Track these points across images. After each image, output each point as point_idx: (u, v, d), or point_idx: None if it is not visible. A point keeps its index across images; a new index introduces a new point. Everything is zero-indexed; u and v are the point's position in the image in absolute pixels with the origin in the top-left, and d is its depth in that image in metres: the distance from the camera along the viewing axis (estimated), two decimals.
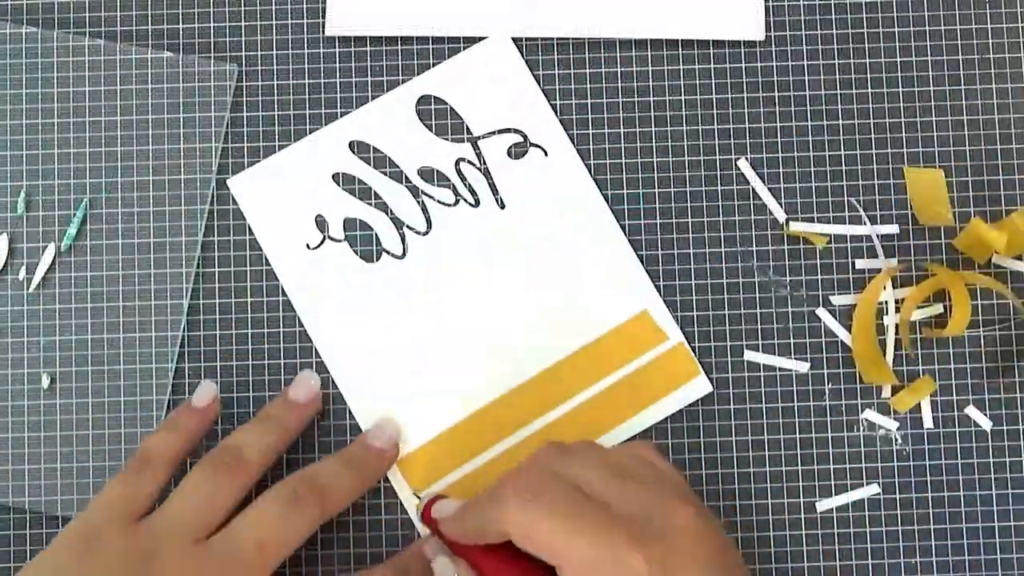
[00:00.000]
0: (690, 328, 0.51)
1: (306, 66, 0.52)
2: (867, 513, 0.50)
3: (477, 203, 0.51)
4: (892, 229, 0.51)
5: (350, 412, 0.51)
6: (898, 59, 0.52)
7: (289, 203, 0.51)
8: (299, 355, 0.51)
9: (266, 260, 0.51)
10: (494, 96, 0.52)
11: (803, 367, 0.51)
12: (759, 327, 0.51)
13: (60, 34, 0.52)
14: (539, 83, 0.52)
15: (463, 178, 0.51)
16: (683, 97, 0.52)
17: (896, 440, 0.50)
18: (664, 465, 0.44)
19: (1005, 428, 0.50)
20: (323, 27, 0.52)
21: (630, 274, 0.51)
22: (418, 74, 0.52)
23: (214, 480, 0.45)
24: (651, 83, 0.52)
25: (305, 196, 0.51)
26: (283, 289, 0.51)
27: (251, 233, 0.51)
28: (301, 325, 0.51)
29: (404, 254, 0.51)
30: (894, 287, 0.51)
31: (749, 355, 0.51)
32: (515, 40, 0.52)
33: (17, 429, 0.50)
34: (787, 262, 0.51)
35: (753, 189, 0.52)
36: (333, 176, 0.51)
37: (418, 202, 0.51)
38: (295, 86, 0.52)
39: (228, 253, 0.51)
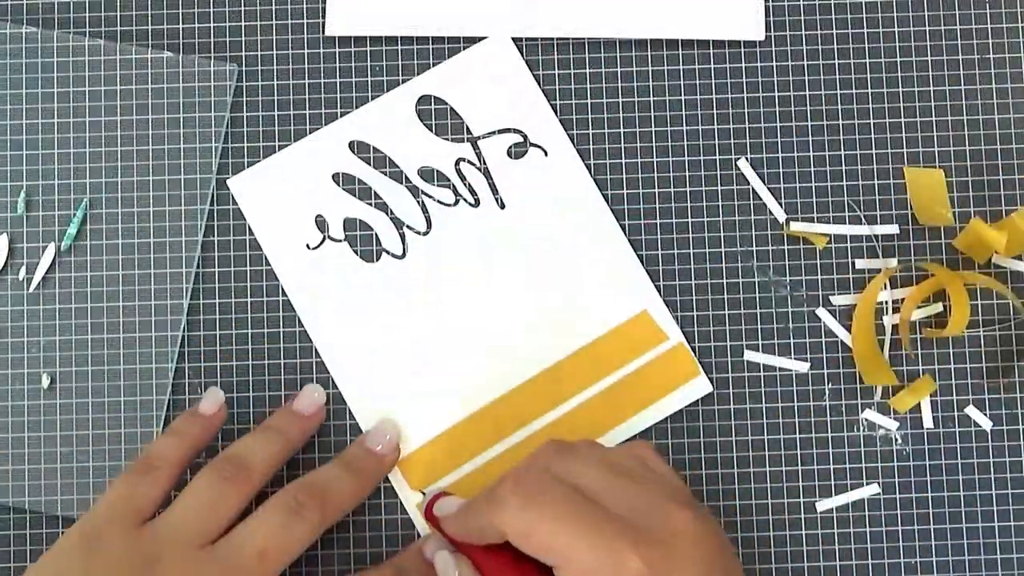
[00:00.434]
0: (690, 328, 0.51)
1: (306, 66, 0.52)
2: (867, 513, 0.50)
3: (477, 203, 0.51)
4: (892, 229, 0.51)
5: (350, 412, 0.51)
6: (898, 59, 0.52)
7: (289, 203, 0.51)
8: (299, 355, 0.51)
9: (266, 260, 0.51)
10: (494, 96, 0.52)
11: (803, 367, 0.51)
12: (759, 327, 0.51)
13: (60, 34, 0.52)
14: (539, 83, 0.52)
15: (463, 178, 0.51)
16: (683, 97, 0.52)
17: (896, 440, 0.50)
18: (663, 467, 0.44)
19: (1005, 428, 0.50)
20: (323, 27, 0.52)
21: (630, 274, 0.51)
22: (418, 74, 0.52)
23: (217, 488, 0.45)
24: (651, 83, 0.52)
25: (305, 196, 0.51)
26: (283, 289, 0.51)
27: (251, 233, 0.51)
28: (301, 325, 0.51)
29: (404, 254, 0.51)
30: (893, 287, 0.51)
31: (749, 355, 0.51)
32: (515, 40, 0.52)
33: (17, 429, 0.50)
34: (787, 262, 0.51)
35: (753, 189, 0.52)
36: (333, 176, 0.51)
37: (418, 202, 0.51)
38: (295, 86, 0.52)
39: (228, 253, 0.51)
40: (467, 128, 0.52)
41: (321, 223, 0.51)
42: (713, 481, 0.50)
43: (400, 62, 0.52)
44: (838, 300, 0.51)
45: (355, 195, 0.51)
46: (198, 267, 0.51)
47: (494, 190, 0.51)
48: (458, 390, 0.50)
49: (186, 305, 0.51)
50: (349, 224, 0.51)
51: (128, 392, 0.51)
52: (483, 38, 0.52)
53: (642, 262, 0.51)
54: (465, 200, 0.51)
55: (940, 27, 0.52)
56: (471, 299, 0.51)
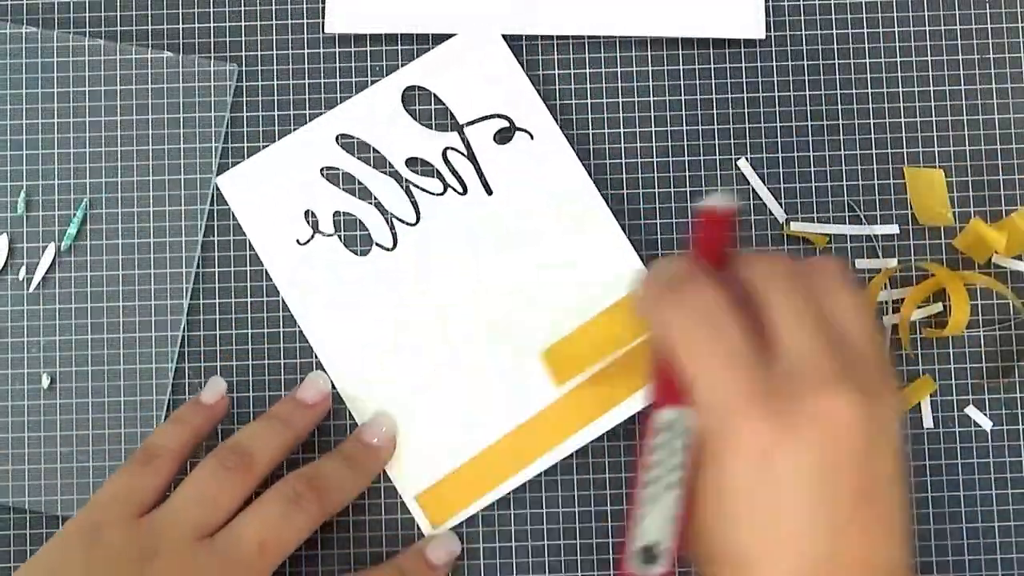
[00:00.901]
0: None
1: (306, 66, 0.52)
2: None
3: (465, 191, 0.51)
4: (892, 229, 0.51)
5: (348, 411, 0.51)
6: (898, 59, 0.52)
7: (278, 199, 0.51)
8: (299, 355, 0.51)
9: (266, 260, 0.51)
10: (478, 83, 0.51)
11: None
12: None
13: (60, 34, 0.52)
14: (538, 82, 0.52)
15: (450, 167, 0.51)
16: (683, 97, 0.52)
17: None
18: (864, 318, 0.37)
19: (1005, 428, 0.50)
20: (323, 26, 0.52)
21: (619, 252, 0.51)
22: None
23: (219, 479, 0.45)
24: (651, 83, 0.52)
25: (293, 191, 0.51)
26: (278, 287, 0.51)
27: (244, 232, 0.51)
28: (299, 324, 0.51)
29: (395, 246, 0.51)
30: (893, 287, 0.51)
31: None
32: (513, 39, 0.52)
33: (17, 429, 0.50)
34: None
35: (753, 189, 0.52)
36: (321, 171, 0.51)
37: (406, 193, 0.51)
38: (295, 86, 0.52)
39: (228, 253, 0.51)
40: (453, 116, 0.52)
41: (310, 218, 0.51)
42: None
43: (400, 62, 0.52)
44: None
45: (343, 189, 0.51)
46: (198, 267, 0.51)
47: (481, 176, 0.51)
48: (455, 377, 0.50)
49: (186, 305, 0.51)
50: (339, 218, 0.51)
51: (128, 392, 0.51)
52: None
53: (642, 261, 0.51)
54: (453, 188, 0.51)
55: (940, 27, 0.52)
56: (463, 286, 0.51)
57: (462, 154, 0.51)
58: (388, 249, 0.51)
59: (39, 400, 0.51)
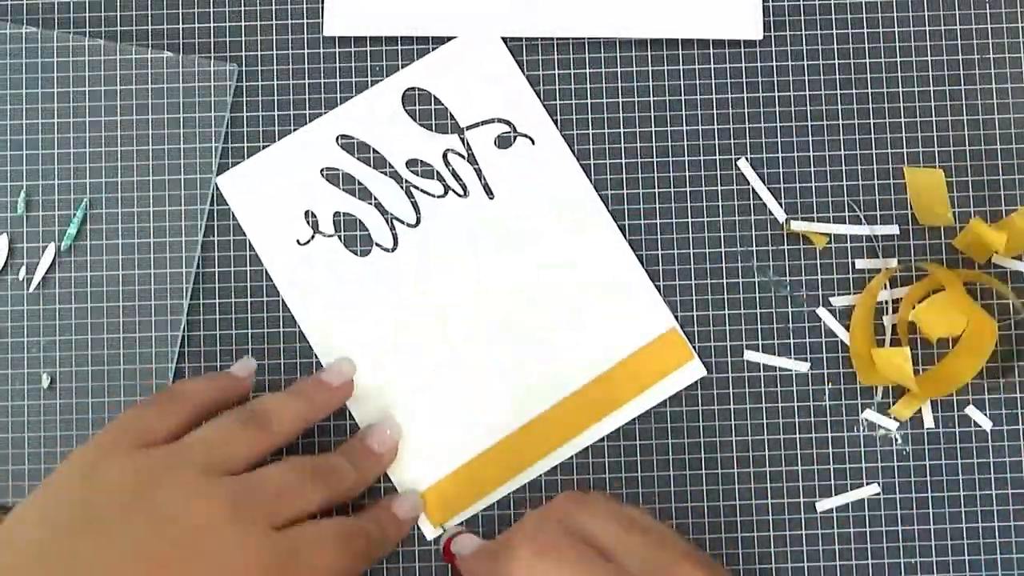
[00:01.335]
0: (690, 328, 0.51)
1: (306, 66, 0.52)
2: (867, 513, 0.50)
3: (466, 193, 0.51)
4: (892, 229, 0.51)
5: (348, 412, 0.51)
6: (898, 59, 0.52)
7: (278, 199, 0.51)
8: (299, 355, 0.51)
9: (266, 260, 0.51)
10: (480, 87, 0.52)
11: (803, 367, 0.51)
12: (759, 327, 0.51)
13: (60, 34, 0.52)
14: (538, 83, 0.52)
15: (451, 169, 0.51)
16: (683, 97, 0.52)
17: (896, 440, 0.50)
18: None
19: (1005, 428, 0.50)
20: (322, 28, 0.52)
21: (619, 256, 0.51)
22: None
23: (233, 429, 0.44)
24: (651, 83, 0.52)
25: (294, 192, 0.51)
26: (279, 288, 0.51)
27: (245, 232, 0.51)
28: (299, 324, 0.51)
29: (395, 247, 0.51)
30: (893, 287, 0.51)
31: (749, 355, 0.51)
32: (513, 40, 0.52)
33: (17, 429, 0.50)
34: (787, 262, 0.51)
35: (753, 189, 0.52)
36: (321, 171, 0.51)
37: (407, 194, 0.51)
38: (295, 86, 0.52)
39: (228, 253, 0.51)
40: (453, 119, 0.52)
41: (311, 218, 0.51)
42: (713, 481, 0.50)
43: (400, 62, 0.52)
44: (838, 301, 0.51)
45: (344, 189, 0.51)
46: (198, 267, 0.51)
47: (482, 180, 0.51)
48: (453, 377, 0.50)
49: (186, 305, 0.51)
50: (339, 219, 0.51)
51: (128, 392, 0.51)
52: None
53: (642, 262, 0.51)
54: (454, 191, 0.51)
55: (940, 27, 0.52)
56: (463, 289, 0.51)
57: (462, 157, 0.51)
58: (388, 250, 0.51)
59: (39, 400, 0.51)
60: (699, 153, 0.52)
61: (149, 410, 0.45)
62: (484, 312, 0.51)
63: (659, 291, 0.51)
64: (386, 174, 0.51)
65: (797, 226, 0.51)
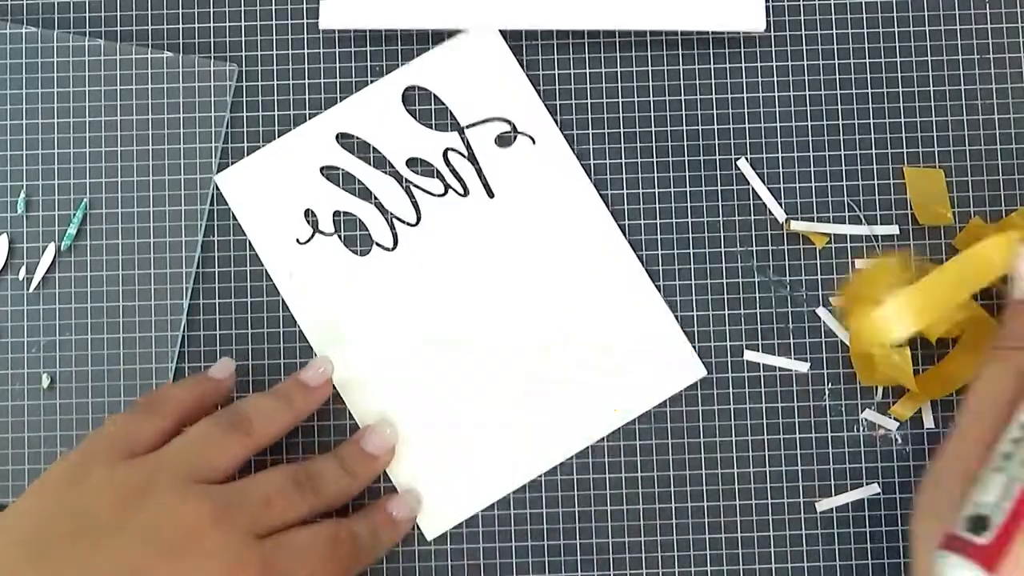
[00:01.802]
0: (690, 328, 0.51)
1: (306, 66, 0.52)
2: (867, 513, 0.50)
3: (466, 193, 0.51)
4: (892, 230, 0.51)
5: (348, 412, 0.51)
6: (898, 59, 0.52)
7: (277, 198, 0.51)
8: (299, 355, 0.51)
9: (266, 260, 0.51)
10: (480, 85, 0.51)
11: (803, 367, 0.51)
12: (759, 327, 0.51)
13: (60, 34, 0.52)
14: (538, 82, 0.52)
15: (451, 167, 0.51)
16: (683, 96, 0.52)
17: (896, 440, 0.50)
18: None
19: None
20: (319, 20, 0.52)
21: (618, 254, 0.51)
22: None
23: (215, 434, 0.44)
24: (651, 82, 0.52)
25: (293, 190, 0.51)
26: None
27: (244, 231, 0.51)
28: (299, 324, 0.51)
29: (395, 246, 0.51)
30: None
31: (749, 355, 0.51)
32: (512, 35, 0.52)
33: (17, 429, 0.50)
34: (787, 262, 0.51)
35: (753, 189, 0.52)
36: (321, 169, 0.51)
37: (407, 193, 0.51)
38: (295, 86, 0.52)
39: (228, 253, 0.51)
40: (454, 117, 0.52)
41: (310, 217, 0.51)
42: (713, 481, 0.50)
43: (399, 61, 0.52)
44: (838, 301, 0.51)
45: (344, 188, 0.51)
46: (198, 267, 0.51)
47: (483, 179, 0.51)
48: (449, 374, 0.50)
49: (186, 305, 0.51)
50: (339, 218, 0.51)
51: (128, 392, 0.51)
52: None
53: (642, 262, 0.51)
54: (454, 190, 0.51)
55: (940, 27, 0.52)
56: (463, 288, 0.51)
57: (463, 155, 0.51)
58: (388, 249, 0.51)
59: (39, 400, 0.51)
60: (699, 153, 0.52)
61: (131, 419, 0.45)
62: (484, 311, 0.51)
63: (659, 291, 0.51)
64: (386, 173, 0.51)
65: (797, 226, 0.51)
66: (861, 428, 0.51)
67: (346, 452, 0.49)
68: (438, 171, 0.51)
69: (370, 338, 0.51)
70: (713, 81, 0.52)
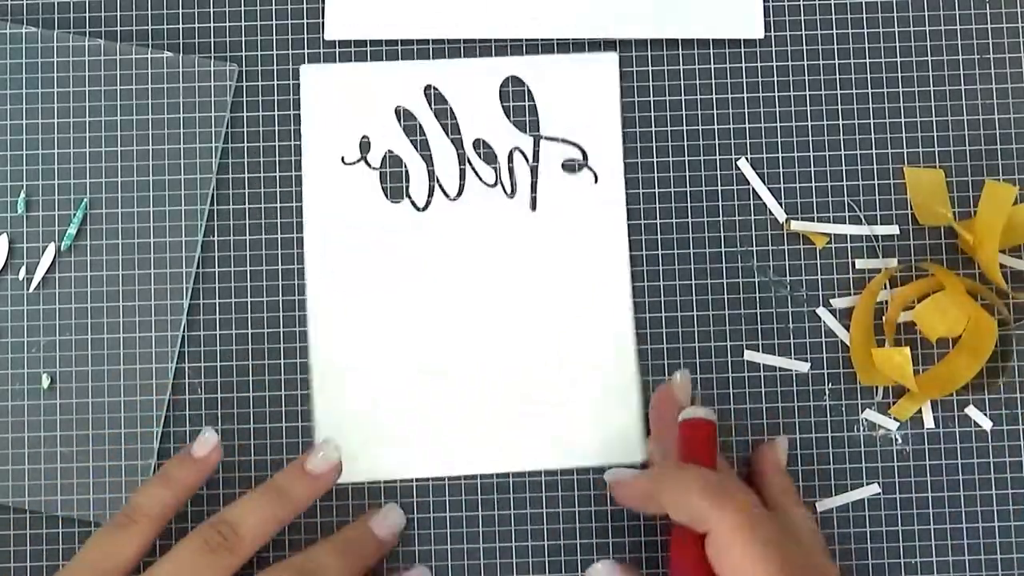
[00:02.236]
0: (690, 328, 0.51)
1: (306, 66, 0.52)
2: (867, 513, 0.50)
3: (512, 195, 0.51)
4: (892, 230, 0.51)
5: (308, 365, 0.51)
6: (898, 59, 0.52)
7: (345, 113, 0.52)
8: (299, 355, 0.51)
9: (266, 260, 0.51)
10: (575, 104, 0.51)
11: (803, 367, 0.51)
12: (759, 327, 0.51)
13: (60, 34, 0.52)
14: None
15: (511, 167, 0.51)
16: (683, 97, 0.52)
17: (896, 440, 0.50)
18: None
19: (1005, 428, 0.50)
20: (323, 27, 0.52)
21: (618, 310, 0.51)
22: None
23: (199, 561, 0.43)
24: (651, 82, 0.52)
25: (362, 114, 0.52)
26: (283, 288, 0.51)
27: (251, 233, 0.51)
28: (302, 325, 0.51)
29: (425, 208, 0.51)
30: (893, 287, 0.51)
31: (749, 355, 0.51)
32: (514, 41, 0.52)
33: (17, 429, 0.50)
34: (787, 262, 0.51)
35: (753, 189, 0.52)
36: (396, 108, 0.51)
37: (460, 169, 0.51)
38: (295, 86, 0.52)
39: (228, 253, 0.51)
40: (537, 123, 0.52)
41: (365, 145, 0.51)
42: None
43: (399, 61, 0.52)
44: (838, 301, 0.51)
45: (406, 134, 0.51)
46: (198, 267, 0.51)
47: (534, 190, 0.51)
48: (433, 364, 0.50)
49: (186, 305, 0.51)
50: (388, 157, 0.51)
51: (128, 392, 0.51)
52: (482, 40, 0.52)
53: (642, 262, 0.51)
54: (503, 186, 0.51)
55: (940, 27, 0.52)
56: (468, 278, 0.51)
57: (527, 161, 0.51)
58: (419, 209, 0.51)
59: (39, 400, 0.51)
60: (699, 153, 0.52)
61: (115, 543, 0.44)
62: (480, 307, 0.51)
63: (659, 291, 0.51)
64: (451, 140, 0.51)
65: (797, 226, 0.51)
66: (861, 428, 0.51)
67: (281, 481, 0.47)
68: (498, 164, 0.51)
69: (366, 287, 0.51)
70: (713, 81, 0.52)
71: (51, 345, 0.51)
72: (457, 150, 0.52)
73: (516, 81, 0.52)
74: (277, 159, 0.52)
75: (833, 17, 0.52)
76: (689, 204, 0.52)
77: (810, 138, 0.52)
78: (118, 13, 0.52)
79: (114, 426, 0.50)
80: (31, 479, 0.50)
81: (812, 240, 0.51)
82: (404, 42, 0.52)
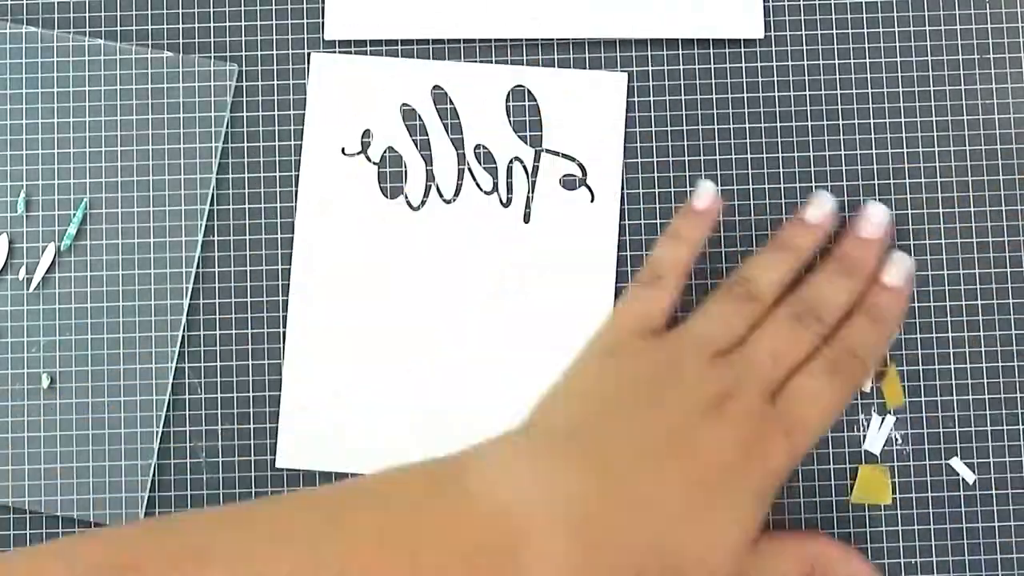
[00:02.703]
0: None
1: (306, 66, 0.52)
2: (867, 513, 0.50)
3: (507, 205, 0.51)
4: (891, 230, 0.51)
5: (282, 336, 0.51)
6: (898, 59, 0.52)
7: (350, 105, 0.52)
8: None
9: (266, 260, 0.51)
10: (580, 122, 0.51)
11: None
12: None
13: (60, 34, 0.52)
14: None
15: (509, 177, 0.51)
16: (683, 97, 0.52)
17: (896, 440, 0.50)
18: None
19: (1005, 428, 0.50)
20: (323, 27, 0.52)
21: (595, 325, 0.51)
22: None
23: (730, 306, 0.46)
24: (651, 82, 0.52)
25: (367, 107, 0.52)
26: (283, 288, 0.51)
27: (251, 233, 0.51)
28: None
29: (419, 208, 0.51)
30: None
31: None
32: (514, 41, 0.52)
33: (17, 429, 0.50)
34: None
35: (753, 189, 0.52)
36: (401, 104, 0.51)
37: (458, 172, 0.51)
38: (295, 86, 0.52)
39: (228, 253, 0.51)
40: (540, 136, 0.52)
41: (366, 140, 0.51)
42: None
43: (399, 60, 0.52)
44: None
45: (409, 132, 0.51)
46: (198, 267, 0.51)
47: (528, 203, 0.51)
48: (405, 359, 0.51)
49: (186, 305, 0.51)
50: (388, 154, 0.51)
51: (128, 392, 0.51)
52: (482, 40, 0.52)
53: (641, 263, 0.51)
54: (499, 195, 0.51)
55: (940, 27, 0.52)
56: (453, 281, 0.51)
57: (525, 172, 0.51)
58: (413, 208, 0.51)
59: (39, 400, 0.51)
60: (699, 153, 0.52)
61: (647, 300, 0.47)
62: (459, 311, 0.51)
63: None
64: (452, 143, 0.51)
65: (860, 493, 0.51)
66: (861, 428, 0.50)
67: (838, 263, 0.48)
68: (496, 172, 0.51)
69: (349, 280, 0.51)
70: (713, 81, 0.52)
71: (51, 345, 0.51)
72: (457, 151, 0.52)
73: (523, 91, 0.52)
74: (277, 159, 0.52)
75: (833, 17, 0.52)
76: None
77: (810, 138, 0.52)
78: (118, 13, 0.52)
79: (114, 426, 0.50)
80: (31, 479, 0.50)
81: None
82: (404, 42, 0.52)
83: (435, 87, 0.52)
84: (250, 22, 0.52)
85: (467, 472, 0.42)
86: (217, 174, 0.52)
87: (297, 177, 0.52)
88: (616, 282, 0.51)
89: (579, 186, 0.51)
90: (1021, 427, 0.50)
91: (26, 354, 0.51)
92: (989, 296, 0.51)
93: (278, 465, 0.50)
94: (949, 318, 0.51)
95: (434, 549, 0.40)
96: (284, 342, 0.51)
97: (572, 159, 0.51)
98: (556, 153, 0.51)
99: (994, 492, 0.50)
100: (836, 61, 0.52)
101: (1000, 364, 0.51)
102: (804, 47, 0.52)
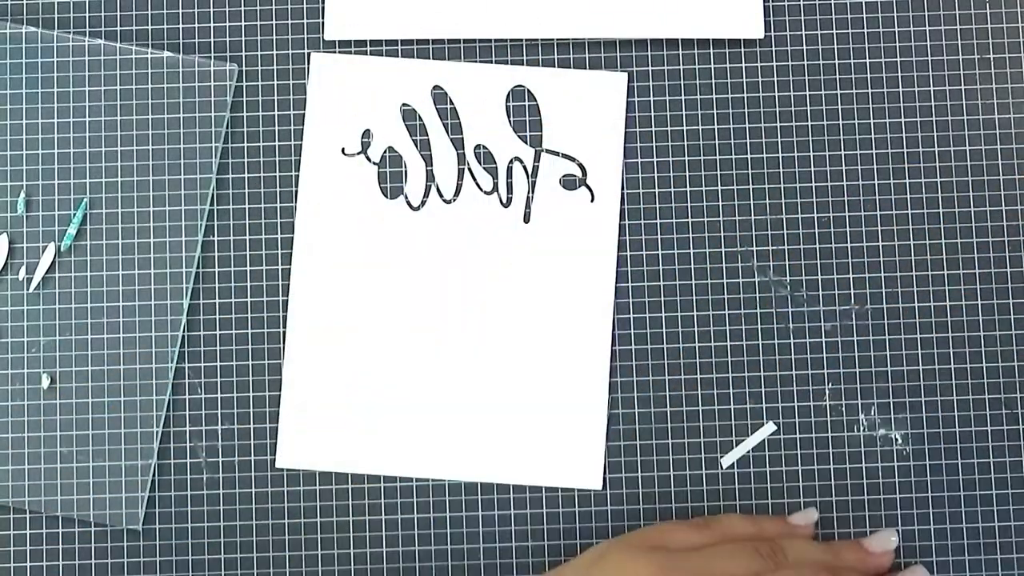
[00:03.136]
0: (690, 328, 0.51)
1: (306, 66, 0.52)
2: (867, 513, 0.50)
3: (507, 205, 0.51)
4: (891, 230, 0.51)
5: (282, 336, 0.51)
6: (898, 59, 0.52)
7: (350, 105, 0.52)
8: None
9: (266, 260, 0.51)
10: (580, 122, 0.51)
11: (803, 367, 0.51)
12: (759, 327, 0.51)
13: (60, 34, 0.52)
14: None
15: (509, 177, 0.51)
16: (683, 97, 0.52)
17: (896, 440, 0.50)
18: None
19: (1005, 428, 0.50)
20: (323, 27, 0.52)
21: (596, 337, 0.51)
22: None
23: (751, 560, 0.45)
24: (651, 82, 0.52)
25: (367, 107, 0.52)
26: (282, 288, 0.51)
27: (251, 233, 0.51)
28: None
29: (419, 208, 0.51)
30: None
31: (749, 356, 0.51)
32: (513, 41, 0.52)
33: (17, 429, 0.50)
34: (787, 262, 0.51)
35: (753, 189, 0.52)
36: (401, 106, 0.51)
37: (458, 172, 0.51)
38: (295, 86, 0.52)
39: (228, 253, 0.51)
40: (540, 136, 0.52)
41: (366, 140, 0.51)
42: (713, 481, 0.50)
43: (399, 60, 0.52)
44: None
45: (409, 133, 0.51)
46: (198, 267, 0.51)
47: (528, 203, 0.51)
48: (406, 364, 0.51)
49: (186, 305, 0.51)
50: (388, 155, 0.51)
51: (128, 392, 0.51)
52: (483, 40, 0.52)
53: (641, 262, 0.51)
54: (499, 195, 0.51)
55: (940, 27, 0.52)
56: (450, 281, 0.51)
57: (525, 172, 0.51)
58: (413, 208, 0.51)
59: (39, 400, 0.51)
60: (699, 153, 0.52)
61: (679, 528, 0.47)
62: (457, 310, 0.51)
63: (659, 291, 0.51)
64: (452, 143, 0.51)
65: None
66: (861, 428, 0.51)
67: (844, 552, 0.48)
68: (496, 172, 0.51)
69: (349, 281, 0.51)
70: (713, 81, 0.52)
71: (51, 345, 0.51)
72: (457, 151, 0.52)
73: (523, 91, 0.52)
74: (277, 159, 0.52)
75: (833, 17, 0.52)
76: (689, 204, 0.52)
77: (810, 138, 0.52)
78: (118, 13, 0.52)
79: (114, 426, 0.50)
80: (31, 479, 0.50)
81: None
82: (404, 42, 0.52)
83: (435, 87, 0.52)
84: (250, 22, 0.52)
85: None
86: (217, 174, 0.52)
87: (297, 177, 0.52)
88: (616, 282, 0.51)
89: (579, 186, 0.51)
90: (1021, 427, 0.50)
91: (26, 354, 0.51)
92: (989, 296, 0.51)
93: (278, 465, 0.50)
94: (949, 318, 0.51)
95: None
96: (284, 342, 0.51)
97: (572, 159, 0.51)
98: (556, 153, 0.51)
99: (994, 492, 0.50)
100: (836, 61, 0.52)
101: (1000, 364, 0.51)
102: (804, 47, 0.52)
